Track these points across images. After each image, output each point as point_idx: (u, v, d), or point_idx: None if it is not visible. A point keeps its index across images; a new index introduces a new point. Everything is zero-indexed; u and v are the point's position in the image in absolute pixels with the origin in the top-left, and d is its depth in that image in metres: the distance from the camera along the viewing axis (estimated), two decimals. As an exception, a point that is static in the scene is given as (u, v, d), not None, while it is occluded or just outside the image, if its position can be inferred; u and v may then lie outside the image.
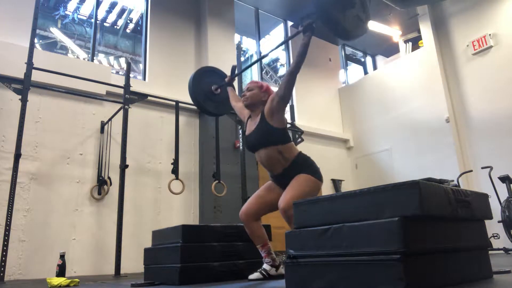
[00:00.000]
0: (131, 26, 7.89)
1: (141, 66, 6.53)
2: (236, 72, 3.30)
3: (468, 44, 6.91)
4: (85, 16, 7.04)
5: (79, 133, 5.21)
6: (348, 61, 9.81)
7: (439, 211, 1.53)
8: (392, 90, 7.98)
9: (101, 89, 5.32)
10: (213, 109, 3.31)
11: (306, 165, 2.47)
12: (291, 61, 2.52)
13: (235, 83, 3.83)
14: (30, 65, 4.00)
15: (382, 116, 8.04)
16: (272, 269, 2.51)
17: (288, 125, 5.87)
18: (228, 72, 3.30)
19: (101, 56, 7.42)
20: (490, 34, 6.60)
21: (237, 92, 3.43)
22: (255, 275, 2.48)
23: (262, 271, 2.49)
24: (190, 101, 3.31)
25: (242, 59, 6.38)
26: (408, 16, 7.84)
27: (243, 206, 2.63)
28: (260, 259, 2.64)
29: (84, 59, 6.37)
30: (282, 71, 10.06)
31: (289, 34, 8.56)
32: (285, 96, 2.48)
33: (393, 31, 8.04)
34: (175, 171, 4.84)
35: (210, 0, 6.84)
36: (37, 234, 4.55)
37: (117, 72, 6.87)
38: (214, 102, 3.28)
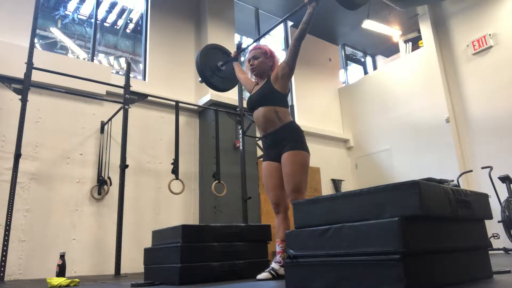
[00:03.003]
0: (131, 26, 7.87)
1: (141, 66, 6.52)
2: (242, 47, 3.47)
3: (468, 44, 6.91)
4: (85, 16, 7.02)
5: (79, 133, 5.21)
6: (348, 61, 9.81)
7: (439, 211, 1.53)
8: (392, 90, 7.98)
9: (101, 89, 5.32)
10: (219, 84, 3.49)
11: (297, 134, 2.61)
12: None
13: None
14: (30, 65, 4.00)
15: (382, 116, 8.04)
16: (281, 269, 2.47)
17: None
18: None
19: (101, 56, 7.41)
20: (490, 34, 6.60)
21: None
22: (263, 275, 2.44)
23: (271, 271, 2.46)
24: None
25: (242, 59, 6.37)
26: (408, 16, 7.84)
27: (271, 200, 2.66)
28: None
29: (84, 59, 6.36)
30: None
31: (289, 35, 8.56)
32: (291, 61, 2.65)
33: (393, 31, 8.04)
34: (175, 171, 4.83)
35: (210, 0, 6.85)
36: (37, 234, 4.55)
37: (117, 72, 6.86)
38: (220, 78, 3.49)
